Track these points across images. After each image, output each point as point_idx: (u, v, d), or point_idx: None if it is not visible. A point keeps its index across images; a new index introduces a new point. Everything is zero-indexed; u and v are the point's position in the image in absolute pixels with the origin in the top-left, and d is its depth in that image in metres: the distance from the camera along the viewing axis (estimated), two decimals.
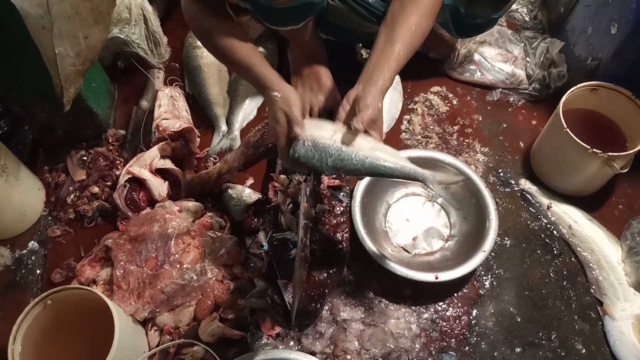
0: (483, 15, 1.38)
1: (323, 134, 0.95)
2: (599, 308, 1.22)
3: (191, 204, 1.31)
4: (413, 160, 1.29)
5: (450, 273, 1.17)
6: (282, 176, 1.28)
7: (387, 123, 1.46)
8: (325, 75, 1.46)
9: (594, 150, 1.17)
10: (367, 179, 1.29)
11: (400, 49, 1.00)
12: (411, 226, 1.32)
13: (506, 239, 1.31)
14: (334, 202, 1.25)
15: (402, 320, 1.19)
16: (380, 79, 0.98)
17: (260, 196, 1.33)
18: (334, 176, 1.27)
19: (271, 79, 1.02)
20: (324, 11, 1.13)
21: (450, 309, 1.23)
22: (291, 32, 1.33)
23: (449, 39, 1.50)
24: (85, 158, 1.42)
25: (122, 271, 1.19)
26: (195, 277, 1.18)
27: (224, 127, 1.49)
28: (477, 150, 1.44)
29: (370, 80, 0.99)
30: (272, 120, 1.00)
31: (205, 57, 1.54)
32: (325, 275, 1.18)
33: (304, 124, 0.96)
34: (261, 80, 1.03)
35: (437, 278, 1.16)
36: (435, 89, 1.55)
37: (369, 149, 0.93)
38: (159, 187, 1.33)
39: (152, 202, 1.33)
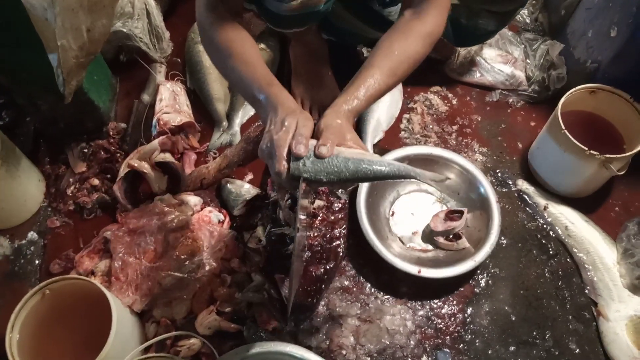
0: (484, 27, 1.39)
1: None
2: (594, 309, 1.23)
3: (190, 198, 1.31)
4: (417, 158, 1.32)
5: (435, 271, 1.18)
6: None
7: (386, 122, 1.47)
8: (326, 73, 1.47)
9: (592, 152, 1.18)
10: None
11: (376, 73, 0.95)
12: (414, 221, 1.33)
13: (502, 238, 1.31)
14: (332, 199, 1.26)
15: (397, 317, 1.20)
16: (343, 102, 0.93)
17: (259, 191, 1.34)
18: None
19: (291, 101, 0.93)
20: (328, 15, 1.13)
21: (445, 306, 1.23)
22: (295, 32, 1.34)
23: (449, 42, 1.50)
24: (86, 150, 1.42)
25: (120, 263, 1.20)
26: (193, 270, 1.19)
27: (224, 123, 1.49)
28: (476, 150, 1.45)
29: (334, 103, 0.94)
30: (277, 127, 0.86)
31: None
32: (322, 270, 1.19)
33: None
34: (278, 98, 0.92)
35: (419, 272, 1.17)
36: (435, 88, 1.56)
37: (352, 152, 0.87)
38: (159, 180, 1.33)
39: (151, 195, 1.33)
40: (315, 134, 0.89)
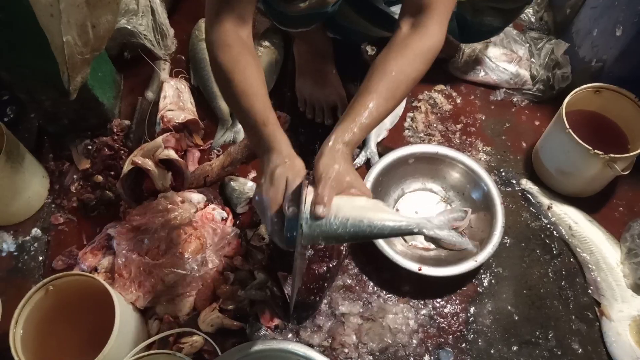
0: (490, 24, 1.38)
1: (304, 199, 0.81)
2: (597, 309, 1.22)
3: (194, 195, 1.31)
4: (424, 156, 1.32)
5: (435, 270, 1.17)
6: None
7: (390, 120, 1.46)
8: (330, 71, 1.47)
9: (596, 151, 1.17)
10: (387, 162, 1.30)
11: (373, 99, 0.90)
12: None
13: (506, 238, 1.31)
14: None
15: (400, 316, 1.20)
16: (339, 137, 0.88)
17: None
18: None
19: (284, 144, 0.89)
20: (333, 13, 1.12)
21: (448, 305, 1.23)
22: (300, 31, 1.34)
23: (454, 40, 1.50)
24: (90, 147, 1.42)
25: (123, 260, 1.20)
26: (196, 268, 1.19)
27: (228, 120, 1.49)
28: (480, 149, 1.44)
29: (328, 140, 0.89)
30: (267, 183, 0.84)
31: None
32: (325, 268, 1.19)
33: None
34: (271, 141, 0.88)
35: (420, 270, 1.17)
36: (439, 87, 1.56)
37: (351, 208, 0.79)
38: (162, 177, 1.33)
39: (155, 192, 1.33)
40: (313, 176, 0.85)
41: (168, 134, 1.37)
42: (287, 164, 0.85)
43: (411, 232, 0.81)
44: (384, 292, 1.24)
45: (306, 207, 0.78)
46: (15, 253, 1.32)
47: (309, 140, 1.42)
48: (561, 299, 1.24)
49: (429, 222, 0.80)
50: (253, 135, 0.93)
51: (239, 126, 1.48)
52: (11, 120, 1.47)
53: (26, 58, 1.20)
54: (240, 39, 0.97)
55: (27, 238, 1.34)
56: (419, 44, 0.95)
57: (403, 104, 1.50)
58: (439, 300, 1.24)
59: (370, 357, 1.16)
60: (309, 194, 0.80)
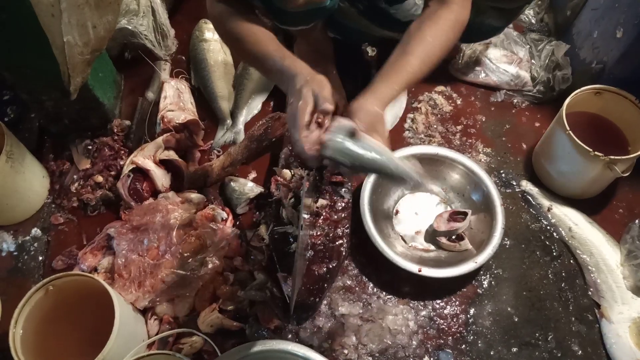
0: (490, 24, 1.38)
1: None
2: (596, 310, 1.22)
3: (194, 196, 1.32)
4: (424, 157, 1.32)
5: (435, 271, 1.18)
6: (285, 170, 1.29)
7: (390, 121, 1.46)
8: (331, 72, 1.47)
9: (596, 153, 1.17)
10: None
11: (412, 60, 0.97)
12: (418, 220, 1.33)
13: (506, 239, 1.31)
14: (335, 198, 1.26)
15: (399, 317, 1.20)
16: (382, 88, 0.95)
17: (263, 190, 1.34)
18: (336, 171, 1.26)
19: (305, 67, 0.94)
20: (334, 12, 1.13)
21: (448, 307, 1.23)
22: (300, 30, 1.34)
23: None
24: (90, 147, 1.43)
25: (123, 260, 1.20)
26: (195, 268, 1.19)
27: (228, 121, 1.49)
28: (480, 150, 1.45)
29: (371, 89, 0.95)
30: (296, 101, 0.89)
31: (211, 51, 1.55)
32: (324, 269, 1.19)
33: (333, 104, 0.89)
34: (292, 69, 0.94)
35: (420, 271, 1.17)
36: (440, 88, 1.56)
37: (375, 143, 0.88)
38: (162, 177, 1.33)
39: (155, 192, 1.33)
40: (348, 113, 0.91)
41: (168, 134, 1.37)
42: (310, 80, 0.90)
43: (404, 181, 0.89)
44: (384, 293, 1.24)
45: (342, 126, 0.85)
46: (15, 253, 1.32)
47: None
48: (561, 300, 1.24)
49: (424, 181, 0.90)
50: (275, 73, 0.98)
51: (240, 127, 1.49)
52: (12, 120, 1.47)
53: (27, 58, 1.20)
54: (243, 9, 1.04)
55: (27, 238, 1.34)
56: (449, 16, 1.02)
57: (403, 104, 1.51)
58: (438, 301, 1.24)
59: (370, 358, 1.16)
60: (339, 119, 0.87)
